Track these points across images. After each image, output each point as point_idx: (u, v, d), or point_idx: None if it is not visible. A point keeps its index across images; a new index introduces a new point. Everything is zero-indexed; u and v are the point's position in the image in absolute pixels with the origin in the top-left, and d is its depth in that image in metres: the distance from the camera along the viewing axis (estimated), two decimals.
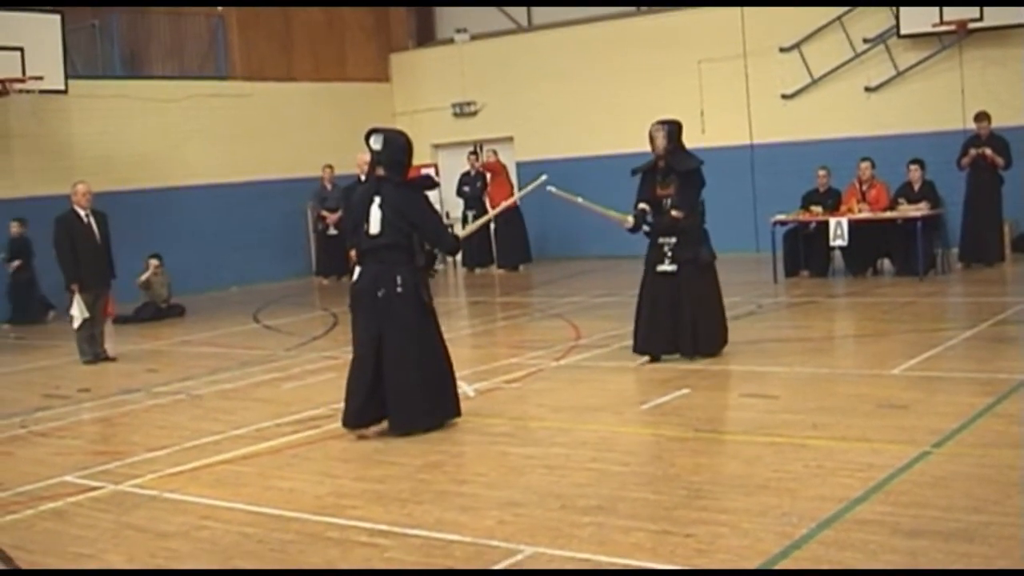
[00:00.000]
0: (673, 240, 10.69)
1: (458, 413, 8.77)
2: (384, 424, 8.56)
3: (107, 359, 13.54)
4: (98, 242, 13.49)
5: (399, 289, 8.45)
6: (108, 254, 13.63)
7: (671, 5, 22.01)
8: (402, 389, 8.42)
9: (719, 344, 10.97)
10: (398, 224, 8.51)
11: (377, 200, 8.56)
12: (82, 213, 13.45)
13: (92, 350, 13.48)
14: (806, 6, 20.02)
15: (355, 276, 8.77)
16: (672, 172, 10.80)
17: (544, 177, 10.30)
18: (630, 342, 11.61)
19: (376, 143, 8.69)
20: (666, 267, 10.69)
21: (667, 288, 10.67)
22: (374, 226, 8.54)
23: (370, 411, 8.51)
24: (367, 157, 14.54)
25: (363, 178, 14.52)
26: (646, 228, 10.90)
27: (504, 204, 11.62)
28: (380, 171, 8.69)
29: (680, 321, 10.69)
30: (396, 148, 8.71)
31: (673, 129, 10.85)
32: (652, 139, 10.84)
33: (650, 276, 10.82)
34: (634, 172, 11.21)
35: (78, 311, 13.29)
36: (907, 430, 7.68)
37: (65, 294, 13.49)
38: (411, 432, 8.40)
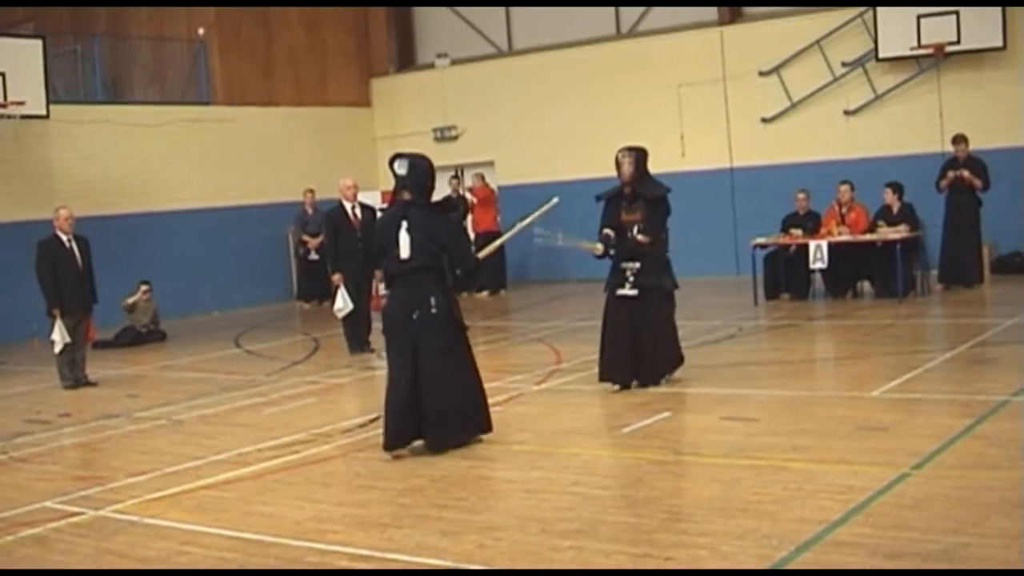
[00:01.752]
0: (637, 265, 10.64)
1: (489, 428, 8.90)
2: (418, 442, 8.68)
3: (88, 384, 13.51)
4: (80, 267, 13.48)
5: (433, 310, 8.58)
6: (90, 279, 13.63)
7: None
8: (438, 408, 8.55)
9: (675, 365, 10.94)
10: (428, 247, 8.62)
11: (405, 224, 8.65)
12: (64, 238, 13.45)
13: (73, 375, 13.46)
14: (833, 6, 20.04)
15: (386, 300, 8.99)
16: (639, 198, 10.79)
17: (555, 200, 10.17)
18: None
19: (401, 168, 8.77)
20: (627, 291, 10.59)
21: (627, 313, 10.60)
22: (404, 250, 8.63)
23: (407, 431, 8.62)
24: (349, 183, 14.69)
25: (346, 204, 14.56)
26: (612, 252, 10.88)
27: (519, 226, 10.78)
28: (406, 195, 8.79)
29: (639, 348, 10.60)
30: (421, 172, 8.81)
31: (640, 156, 10.86)
32: (619, 165, 10.86)
33: (612, 301, 10.77)
34: (598, 198, 11.19)
35: (59, 336, 13.27)
36: (886, 452, 7.73)
37: (46, 319, 13.44)
38: (445, 449, 8.57)
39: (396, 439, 8.59)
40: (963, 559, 5.54)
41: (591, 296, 19.63)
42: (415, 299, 8.59)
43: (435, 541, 6.44)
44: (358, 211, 14.53)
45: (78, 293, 13.44)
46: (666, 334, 10.79)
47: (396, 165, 8.80)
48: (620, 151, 10.89)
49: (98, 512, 7.61)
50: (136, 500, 7.86)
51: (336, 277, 14.23)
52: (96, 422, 11.14)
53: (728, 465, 7.72)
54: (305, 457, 8.88)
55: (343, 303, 14.08)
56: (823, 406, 9.58)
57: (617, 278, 10.75)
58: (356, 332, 14.44)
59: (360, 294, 14.33)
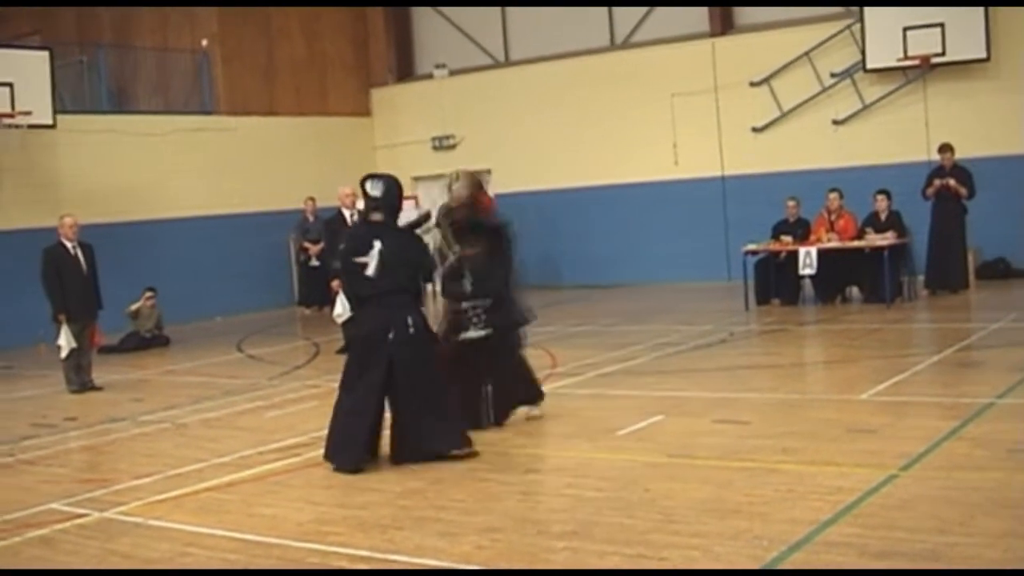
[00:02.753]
0: (487, 302, 9.50)
1: (466, 444, 8.59)
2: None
3: (94, 388, 13.62)
4: (84, 273, 13.60)
5: (411, 331, 8.49)
6: (95, 285, 13.74)
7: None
8: (412, 424, 8.48)
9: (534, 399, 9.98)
10: (401, 268, 8.55)
11: (378, 246, 8.53)
12: (69, 245, 13.58)
13: (79, 379, 13.56)
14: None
15: (352, 323, 8.82)
16: (478, 228, 9.64)
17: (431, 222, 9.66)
18: (607, 369, 11.74)
19: (375, 189, 8.66)
20: (475, 333, 9.44)
21: (477, 357, 9.46)
22: (375, 272, 8.52)
23: (369, 456, 8.54)
24: (348, 191, 14.80)
25: (345, 212, 14.68)
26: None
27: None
28: (377, 216, 8.69)
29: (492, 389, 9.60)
30: (394, 195, 8.73)
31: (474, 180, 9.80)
32: (452, 188, 9.67)
33: (456, 348, 9.44)
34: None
35: (65, 341, 13.39)
36: (875, 454, 7.79)
37: (52, 324, 13.56)
38: (409, 462, 8.45)
39: (357, 466, 8.37)
40: (950, 558, 5.60)
41: (586, 301, 19.87)
42: (391, 320, 8.46)
43: (434, 542, 6.50)
44: (356, 218, 14.66)
45: (83, 299, 13.56)
46: (521, 372, 9.90)
47: (369, 186, 8.69)
48: (454, 172, 9.80)
49: (103, 514, 7.66)
50: (140, 502, 7.90)
51: (335, 283, 14.34)
52: (101, 425, 11.22)
53: (720, 467, 7.77)
54: (306, 460, 8.91)
55: (342, 309, 14.19)
56: (813, 409, 9.66)
57: (461, 319, 9.50)
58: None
59: None
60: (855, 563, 5.65)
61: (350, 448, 8.48)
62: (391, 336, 8.43)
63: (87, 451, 10.26)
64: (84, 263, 13.64)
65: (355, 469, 8.35)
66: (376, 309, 8.57)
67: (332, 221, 14.77)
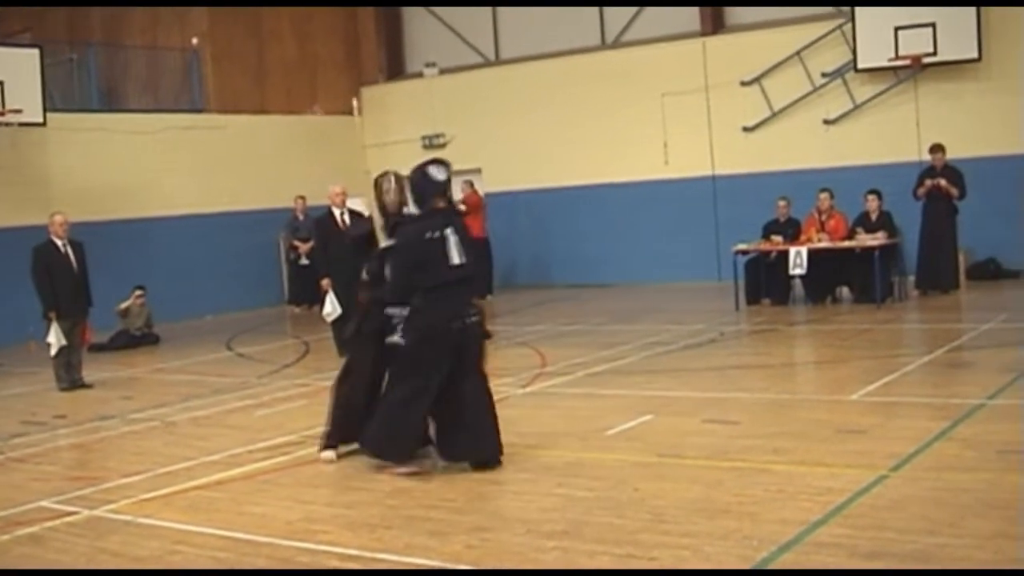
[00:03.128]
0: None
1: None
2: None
3: (84, 386, 13.61)
4: (75, 271, 13.61)
5: (475, 318, 8.24)
6: (85, 283, 13.75)
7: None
8: (473, 424, 8.18)
9: None
10: (470, 256, 8.24)
11: (450, 232, 8.14)
12: (59, 243, 13.57)
13: (69, 377, 13.56)
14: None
15: (415, 311, 8.12)
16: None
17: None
18: (597, 369, 11.74)
19: (441, 174, 8.26)
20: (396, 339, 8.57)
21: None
22: (456, 257, 8.13)
23: (419, 448, 8.31)
24: (338, 189, 14.76)
25: (335, 211, 14.65)
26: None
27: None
28: (442, 203, 8.30)
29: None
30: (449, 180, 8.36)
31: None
32: (386, 192, 8.89)
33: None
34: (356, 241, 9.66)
35: (55, 339, 13.38)
36: (865, 454, 7.80)
37: (43, 322, 13.55)
38: (463, 461, 8.21)
39: (414, 452, 8.22)
40: (940, 559, 5.62)
41: (576, 301, 19.89)
42: (459, 309, 8.16)
43: (424, 541, 6.50)
44: (347, 217, 14.65)
45: (73, 297, 13.56)
46: None
47: (434, 171, 8.24)
48: (383, 175, 9.02)
49: (93, 512, 7.66)
50: (130, 500, 7.91)
51: (325, 282, 14.33)
52: (91, 423, 11.21)
53: (710, 467, 7.79)
54: (295, 458, 8.93)
55: (331, 307, 14.19)
56: (803, 409, 9.68)
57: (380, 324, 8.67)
58: (344, 336, 14.53)
59: (349, 298, 14.42)
60: (845, 564, 5.66)
61: (404, 439, 8.22)
62: (459, 326, 8.13)
63: (77, 449, 10.25)
64: (74, 261, 13.63)
65: (408, 460, 8.17)
66: (444, 298, 8.13)
67: (322, 220, 14.73)
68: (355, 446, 8.65)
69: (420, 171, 8.30)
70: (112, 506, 7.79)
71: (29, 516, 7.66)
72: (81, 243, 13.85)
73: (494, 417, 8.28)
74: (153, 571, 6.37)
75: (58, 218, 13.69)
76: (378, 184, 8.94)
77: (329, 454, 8.83)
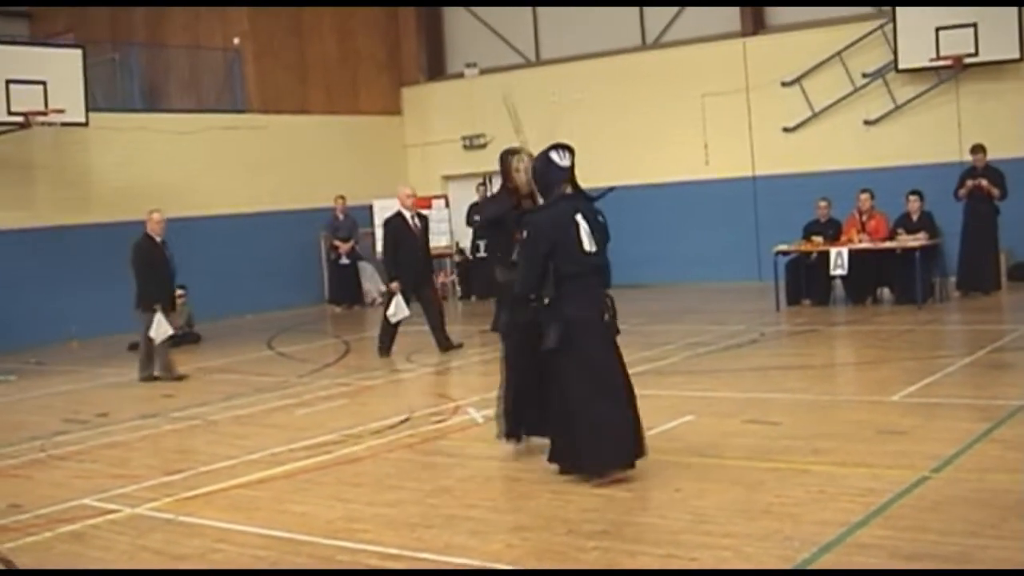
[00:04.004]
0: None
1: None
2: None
3: (159, 378, 13.97)
4: (171, 267, 14.20)
5: (614, 310, 7.93)
6: (174, 278, 14.39)
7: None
8: (635, 418, 7.88)
9: None
10: (603, 243, 7.86)
11: (581, 219, 7.76)
12: (157, 240, 14.07)
13: (162, 365, 14.02)
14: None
15: (570, 305, 7.71)
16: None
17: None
18: (638, 369, 11.68)
19: (565, 159, 7.86)
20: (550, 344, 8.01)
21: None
22: (589, 244, 7.75)
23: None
24: (408, 191, 14.73)
25: (405, 212, 14.59)
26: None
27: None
28: (567, 188, 7.92)
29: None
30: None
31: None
32: (514, 171, 8.75)
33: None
34: (491, 222, 9.33)
35: (161, 328, 13.80)
36: (906, 455, 7.77)
37: (136, 313, 14.03)
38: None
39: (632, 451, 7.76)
40: (981, 560, 5.60)
41: (617, 301, 19.62)
42: (600, 299, 7.85)
43: (464, 541, 6.52)
44: (417, 220, 14.66)
45: (170, 291, 14.27)
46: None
47: (556, 156, 7.85)
48: (513, 154, 8.82)
49: (134, 510, 7.71)
50: (171, 498, 7.96)
51: (394, 285, 14.37)
52: (133, 422, 11.29)
53: (751, 468, 7.77)
54: (336, 457, 8.96)
55: (396, 309, 14.26)
56: (844, 410, 9.65)
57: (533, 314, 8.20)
58: (389, 337, 14.62)
59: (427, 300, 14.58)
60: (886, 565, 5.65)
61: (619, 441, 7.68)
62: (607, 317, 7.82)
63: (119, 447, 10.30)
64: (170, 257, 14.21)
65: (626, 464, 7.67)
66: (584, 289, 7.77)
67: (392, 223, 14.60)
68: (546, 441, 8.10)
69: (543, 158, 7.94)
70: (154, 504, 7.84)
71: (71, 514, 7.71)
72: (166, 242, 14.35)
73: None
74: (194, 571, 6.40)
75: (156, 215, 14.18)
76: (507, 161, 8.70)
77: (513, 445, 8.58)
